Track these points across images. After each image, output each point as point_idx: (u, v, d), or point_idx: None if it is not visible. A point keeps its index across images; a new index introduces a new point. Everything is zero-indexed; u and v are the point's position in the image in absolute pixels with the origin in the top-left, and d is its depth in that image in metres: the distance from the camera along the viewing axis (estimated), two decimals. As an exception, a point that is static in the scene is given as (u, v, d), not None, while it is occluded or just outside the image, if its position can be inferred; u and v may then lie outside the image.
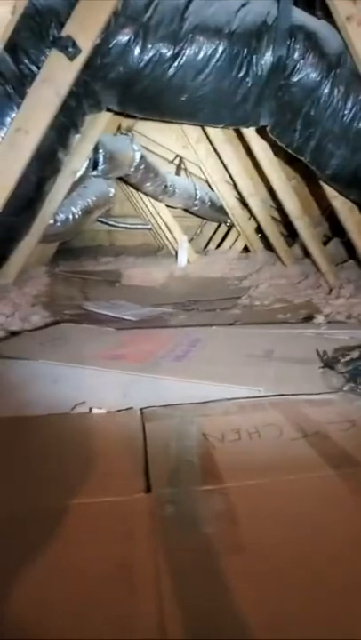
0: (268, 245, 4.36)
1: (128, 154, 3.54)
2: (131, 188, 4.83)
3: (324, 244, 3.77)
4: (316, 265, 3.37)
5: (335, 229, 3.92)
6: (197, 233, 6.20)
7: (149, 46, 1.85)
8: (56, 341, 1.59)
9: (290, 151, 2.29)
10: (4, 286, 2.82)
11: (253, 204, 3.92)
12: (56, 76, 1.76)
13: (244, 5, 1.93)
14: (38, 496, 0.74)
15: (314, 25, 2.00)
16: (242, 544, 0.63)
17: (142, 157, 3.71)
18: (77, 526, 0.67)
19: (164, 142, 4.66)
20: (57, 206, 3.10)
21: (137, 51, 1.86)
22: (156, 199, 4.60)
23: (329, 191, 2.80)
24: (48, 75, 1.76)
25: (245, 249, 5.12)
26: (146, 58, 1.88)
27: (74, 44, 1.72)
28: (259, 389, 1.13)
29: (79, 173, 3.04)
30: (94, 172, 3.22)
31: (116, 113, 2.47)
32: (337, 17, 1.90)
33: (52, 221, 3.22)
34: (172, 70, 1.91)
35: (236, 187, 4.10)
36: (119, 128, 3.65)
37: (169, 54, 1.88)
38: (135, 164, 3.64)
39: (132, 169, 3.66)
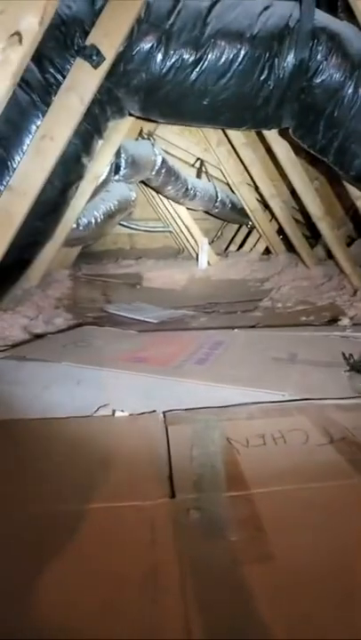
0: (290, 247, 4.31)
1: (149, 158, 3.57)
2: (151, 191, 4.86)
3: (348, 244, 3.71)
4: (339, 266, 3.32)
5: (359, 230, 3.85)
6: (218, 235, 6.19)
7: (172, 52, 1.87)
8: (79, 344, 1.61)
9: (313, 152, 2.27)
10: (28, 289, 2.88)
11: (275, 205, 3.88)
12: (80, 84, 1.79)
13: (266, 9, 1.92)
14: (62, 499, 0.75)
15: (337, 26, 1.98)
16: (267, 552, 0.62)
17: (163, 161, 3.73)
18: (101, 530, 0.67)
19: (185, 146, 4.69)
20: (80, 211, 3.14)
21: (159, 57, 1.88)
22: (177, 202, 4.61)
23: (353, 191, 2.75)
24: (73, 83, 1.80)
25: (267, 251, 5.08)
26: (168, 64, 1.89)
27: (98, 53, 1.75)
28: (283, 394, 1.12)
29: (102, 178, 3.08)
30: (116, 177, 3.26)
31: (138, 118, 2.50)
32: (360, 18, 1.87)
33: (74, 225, 3.27)
34: (194, 75, 1.92)
35: (257, 189, 4.08)
36: (141, 132, 3.69)
37: (191, 59, 1.89)
38: (156, 167, 3.67)
39: (154, 173, 3.68)
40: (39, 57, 1.76)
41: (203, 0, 1.91)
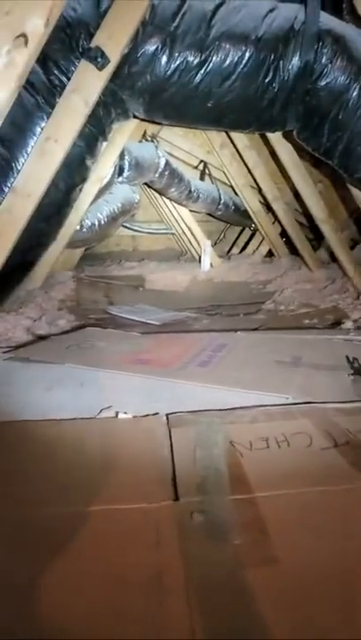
0: (293, 250, 4.31)
1: (153, 160, 3.57)
2: (154, 193, 4.87)
3: (351, 247, 3.70)
4: (342, 269, 3.31)
5: (363, 233, 3.85)
6: (221, 237, 6.19)
7: (176, 54, 1.87)
8: (82, 345, 1.61)
9: (317, 155, 2.27)
10: (32, 291, 2.88)
11: (278, 208, 3.88)
12: (85, 86, 1.80)
13: (271, 11, 1.93)
14: (65, 500, 0.74)
15: (342, 29, 1.98)
16: (271, 555, 0.62)
17: (167, 163, 3.74)
18: (104, 532, 0.67)
19: (189, 148, 4.70)
20: (84, 212, 3.15)
21: (164, 59, 1.88)
22: (181, 204, 4.62)
23: (356, 194, 2.75)
24: (77, 85, 1.80)
25: (270, 254, 5.07)
26: (173, 66, 1.90)
27: (102, 55, 1.76)
28: (287, 397, 1.11)
29: (105, 180, 3.09)
30: (120, 179, 3.26)
31: (142, 120, 2.50)
32: (366, 19, 1.87)
33: (78, 227, 3.28)
34: (198, 77, 1.92)
35: (260, 191, 4.08)
36: (144, 134, 3.69)
37: (196, 62, 1.89)
38: (160, 169, 3.67)
39: (157, 175, 3.69)
40: (44, 59, 1.76)
41: (208, 2, 1.91)
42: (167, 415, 1.04)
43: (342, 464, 0.83)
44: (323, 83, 1.96)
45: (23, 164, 1.81)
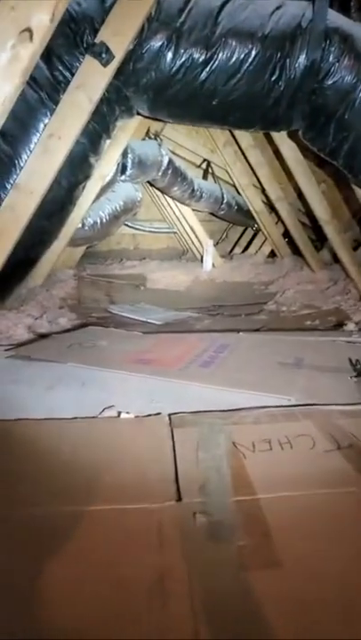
0: (295, 250, 4.29)
1: (156, 158, 3.55)
2: (156, 192, 4.86)
3: (354, 249, 3.68)
4: (345, 271, 3.30)
5: (366, 234, 3.83)
6: (223, 237, 6.17)
7: (182, 51, 1.85)
8: (84, 344, 1.61)
9: (322, 155, 2.25)
10: (33, 289, 2.87)
11: (281, 208, 3.87)
12: (89, 82, 1.78)
13: (278, 8, 1.91)
14: (67, 500, 0.74)
15: (350, 27, 1.96)
16: (273, 558, 0.62)
17: (170, 162, 3.72)
18: (107, 531, 0.67)
19: (192, 147, 4.68)
20: (86, 210, 3.14)
21: (169, 56, 1.87)
22: (183, 203, 4.60)
23: (360, 195, 2.73)
24: (81, 81, 1.79)
25: (272, 254, 5.06)
26: (178, 63, 1.88)
27: (107, 51, 1.74)
28: (289, 398, 1.10)
29: (108, 178, 3.07)
30: (123, 177, 3.25)
31: (146, 117, 2.49)
32: (373, 18, 1.86)
33: (80, 225, 3.26)
34: (203, 75, 1.91)
35: (263, 191, 4.06)
36: (148, 132, 3.68)
37: (201, 59, 1.88)
38: (163, 168, 3.65)
39: (160, 173, 3.67)
40: (48, 54, 1.75)
41: (214, -1, 1.90)
42: (170, 415, 1.03)
43: (346, 467, 0.82)
44: (329, 82, 1.94)
45: (26, 161, 1.80)
